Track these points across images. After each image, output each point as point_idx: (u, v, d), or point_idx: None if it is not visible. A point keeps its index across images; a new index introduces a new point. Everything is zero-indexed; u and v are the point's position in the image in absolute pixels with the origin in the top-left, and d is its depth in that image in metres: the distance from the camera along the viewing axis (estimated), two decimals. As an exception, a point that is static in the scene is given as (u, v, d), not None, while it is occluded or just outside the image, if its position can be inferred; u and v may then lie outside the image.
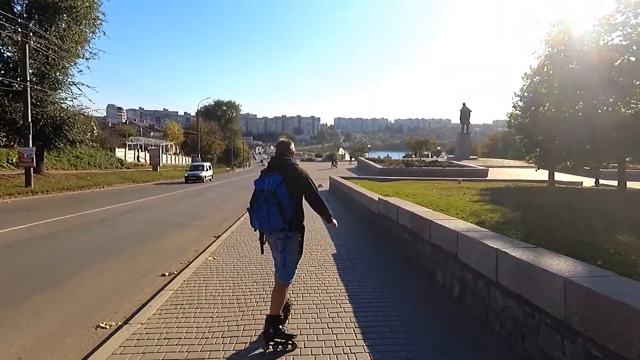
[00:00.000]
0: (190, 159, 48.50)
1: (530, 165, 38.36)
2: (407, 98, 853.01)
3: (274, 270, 3.35)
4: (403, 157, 52.06)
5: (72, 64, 20.23)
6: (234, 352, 2.93)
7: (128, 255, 6.44)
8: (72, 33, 18.96)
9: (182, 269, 5.33)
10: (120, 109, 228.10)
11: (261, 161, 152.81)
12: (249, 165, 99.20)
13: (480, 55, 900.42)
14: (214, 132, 70.55)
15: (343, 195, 13.40)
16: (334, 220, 3.37)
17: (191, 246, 7.13)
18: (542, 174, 18.67)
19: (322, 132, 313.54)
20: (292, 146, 3.37)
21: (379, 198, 7.24)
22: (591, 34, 13.18)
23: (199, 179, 27.19)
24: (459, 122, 41.79)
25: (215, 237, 7.90)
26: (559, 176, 19.56)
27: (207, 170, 29.76)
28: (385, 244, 6.85)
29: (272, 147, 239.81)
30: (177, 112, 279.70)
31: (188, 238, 7.93)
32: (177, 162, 55.70)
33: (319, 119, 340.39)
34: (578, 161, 15.07)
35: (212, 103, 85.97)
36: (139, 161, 40.72)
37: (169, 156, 54.85)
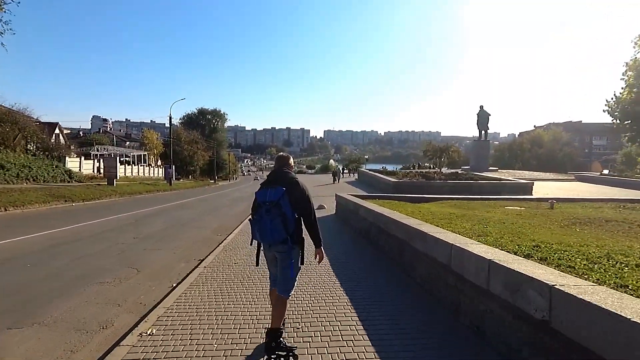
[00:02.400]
0: (160, 170, 42.33)
1: (568, 178, 33.03)
2: (397, 111, 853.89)
3: (269, 285, 3.41)
4: (400, 168, 46.26)
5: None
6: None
7: None
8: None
9: None
10: (105, 120, 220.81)
11: (248, 172, 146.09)
12: (236, 178, 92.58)
13: (467, 71, 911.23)
14: (196, 142, 64.43)
15: (389, 242, 7.33)
16: (322, 249, 3.24)
17: None
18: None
19: (312, 144, 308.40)
20: (291, 160, 3.42)
21: None
22: None
23: None
24: (476, 127, 36.00)
25: None
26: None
27: None
28: None
29: (262, 160, 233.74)
30: (164, 123, 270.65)
31: None
32: (151, 174, 49.10)
33: (308, 131, 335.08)
34: None
35: (196, 111, 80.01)
36: (99, 173, 34.14)
37: (142, 167, 48.25)
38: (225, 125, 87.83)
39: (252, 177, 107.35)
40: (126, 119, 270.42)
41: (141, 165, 47.65)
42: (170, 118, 35.62)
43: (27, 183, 22.70)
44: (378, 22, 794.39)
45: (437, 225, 5.84)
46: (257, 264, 3.33)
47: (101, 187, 24.45)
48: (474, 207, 10.15)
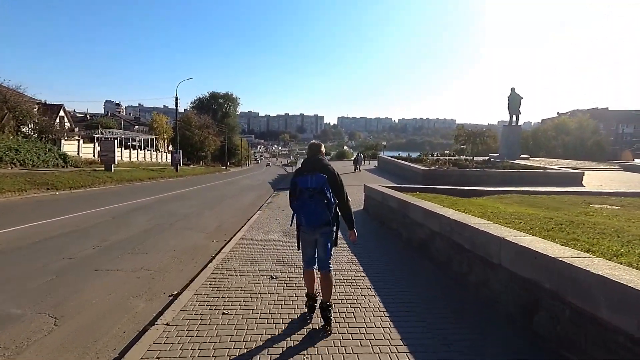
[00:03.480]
0: (169, 156, 40.09)
1: (611, 167, 29.32)
2: (412, 98, 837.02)
3: (302, 266, 3.60)
4: (419, 155, 43.00)
5: None
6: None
7: None
8: None
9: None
10: (118, 104, 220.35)
11: (261, 157, 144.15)
12: (249, 165, 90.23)
13: (482, 57, 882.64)
14: (208, 127, 62.02)
15: (480, 273, 4.56)
16: (355, 232, 3.52)
17: None
18: None
19: (325, 131, 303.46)
20: (323, 148, 3.62)
21: None
22: None
23: None
24: (507, 111, 32.43)
25: None
26: None
27: None
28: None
29: (275, 145, 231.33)
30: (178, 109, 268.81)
31: None
32: (159, 160, 46.95)
33: (322, 117, 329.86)
34: None
35: (207, 95, 77.33)
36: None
37: (150, 152, 46.11)
38: (238, 110, 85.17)
39: (264, 163, 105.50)
40: (139, 104, 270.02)
41: (148, 150, 45.50)
42: (177, 99, 32.91)
43: (12, 167, 20.46)
44: (395, 11, 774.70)
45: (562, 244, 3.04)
46: (299, 248, 3.53)
47: (97, 173, 22.10)
48: (552, 205, 7.49)
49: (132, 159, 39.58)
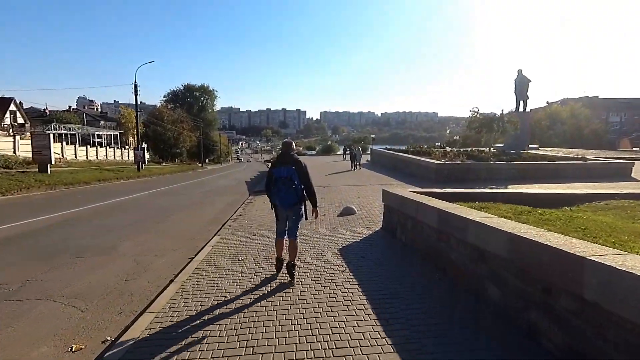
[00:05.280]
0: (132, 153, 35.26)
1: (636, 156, 26.40)
2: (394, 92, 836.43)
3: (274, 236, 4.72)
4: (408, 147, 39.24)
5: None
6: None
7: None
8: None
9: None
10: (92, 101, 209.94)
11: (242, 152, 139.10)
12: (229, 162, 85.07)
13: (466, 49, 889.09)
14: (182, 122, 56.97)
15: None
16: (317, 209, 4.60)
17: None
18: None
19: (308, 126, 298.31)
20: (294, 145, 4.77)
21: None
22: None
23: None
24: (514, 95, 28.66)
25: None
26: None
27: None
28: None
29: (257, 141, 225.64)
30: (155, 104, 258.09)
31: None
32: (126, 158, 41.99)
33: (304, 112, 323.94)
34: None
35: (182, 87, 71.95)
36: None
37: (114, 150, 41.08)
38: (217, 104, 79.59)
39: (246, 159, 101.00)
40: (114, 101, 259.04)
41: (111, 148, 40.43)
42: (136, 85, 28.06)
43: None
44: (379, 7, 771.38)
45: None
46: (278, 219, 4.53)
47: (24, 175, 17.51)
48: None
49: (90, 157, 34.67)
